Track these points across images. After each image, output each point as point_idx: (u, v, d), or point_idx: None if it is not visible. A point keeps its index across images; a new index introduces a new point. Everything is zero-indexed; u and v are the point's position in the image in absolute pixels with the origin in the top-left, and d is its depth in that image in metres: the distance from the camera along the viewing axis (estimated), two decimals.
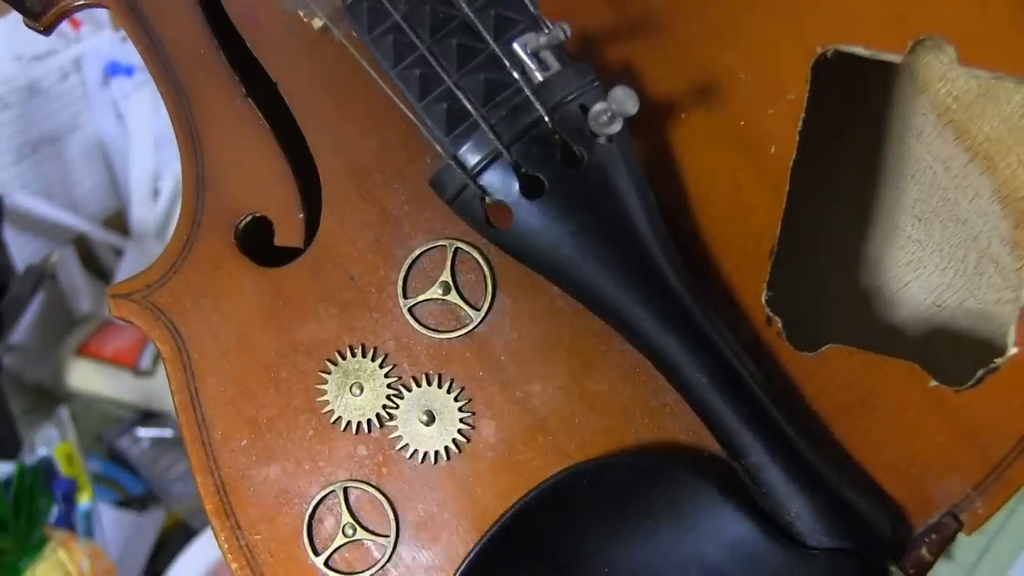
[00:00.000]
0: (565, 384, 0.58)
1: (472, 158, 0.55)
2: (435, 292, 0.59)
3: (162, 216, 1.30)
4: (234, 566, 0.60)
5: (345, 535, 0.60)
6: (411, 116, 0.58)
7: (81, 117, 1.20)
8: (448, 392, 0.59)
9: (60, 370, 1.27)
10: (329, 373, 0.60)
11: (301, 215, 0.62)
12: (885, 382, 0.58)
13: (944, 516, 0.56)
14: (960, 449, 0.57)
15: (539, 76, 0.55)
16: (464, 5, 0.56)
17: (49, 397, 1.29)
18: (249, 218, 0.63)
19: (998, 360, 0.57)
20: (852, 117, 0.67)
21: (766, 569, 0.55)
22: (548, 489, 0.57)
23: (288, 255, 0.62)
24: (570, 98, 0.55)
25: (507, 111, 0.54)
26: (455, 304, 0.59)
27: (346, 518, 0.59)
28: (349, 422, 0.60)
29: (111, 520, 1.21)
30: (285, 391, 0.61)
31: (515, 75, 0.55)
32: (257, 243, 0.63)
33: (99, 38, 1.17)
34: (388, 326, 0.60)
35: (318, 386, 0.60)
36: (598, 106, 0.53)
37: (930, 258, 0.66)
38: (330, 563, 0.60)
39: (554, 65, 0.55)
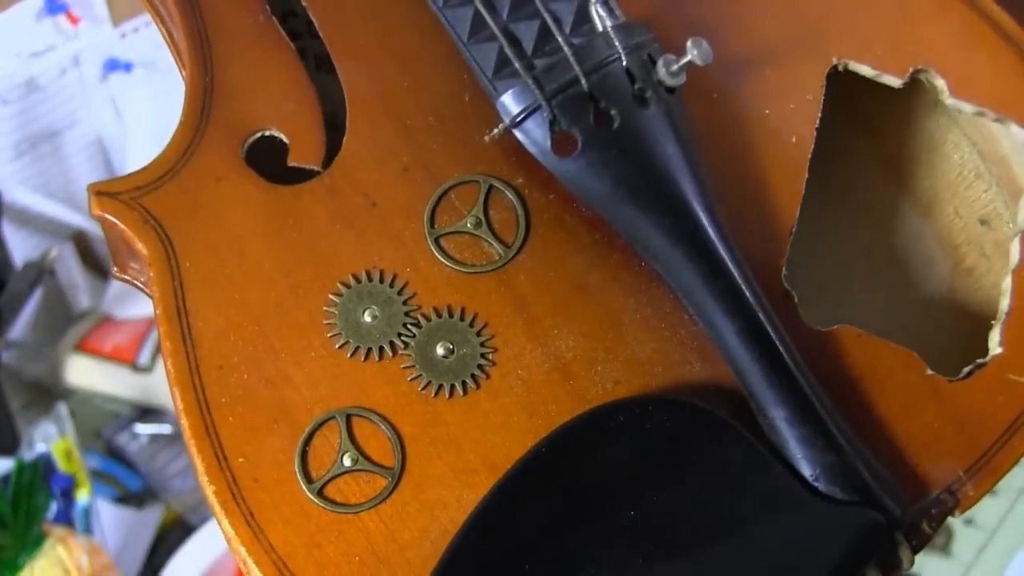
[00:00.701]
0: (590, 331, 0.60)
1: (549, 82, 0.58)
2: (465, 225, 0.59)
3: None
4: (211, 489, 0.56)
5: (343, 465, 0.57)
6: (466, 45, 0.61)
7: (80, 113, 1.20)
8: (471, 326, 0.59)
9: (58, 366, 1.26)
10: (340, 295, 0.59)
11: (321, 135, 0.61)
12: (888, 364, 0.62)
13: (942, 493, 0.58)
14: (952, 434, 0.62)
15: (609, 22, 0.57)
16: None
17: (48, 393, 1.27)
18: (260, 135, 0.62)
19: (984, 359, 0.61)
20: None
21: (796, 519, 0.55)
22: (585, 420, 0.55)
23: (300, 177, 0.62)
24: (640, 45, 0.59)
25: (584, 42, 0.57)
26: (485, 239, 0.60)
27: (346, 447, 0.57)
28: (359, 347, 0.58)
29: (110, 516, 1.19)
30: (288, 310, 0.59)
31: (595, 10, 0.57)
32: (265, 162, 0.62)
33: (98, 34, 1.16)
34: (410, 255, 0.59)
35: (326, 308, 0.59)
36: (667, 57, 0.59)
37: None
38: (323, 492, 0.57)
39: (620, 16, 0.59)
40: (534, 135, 0.58)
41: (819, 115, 0.65)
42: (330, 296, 0.59)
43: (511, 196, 0.61)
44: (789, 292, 0.61)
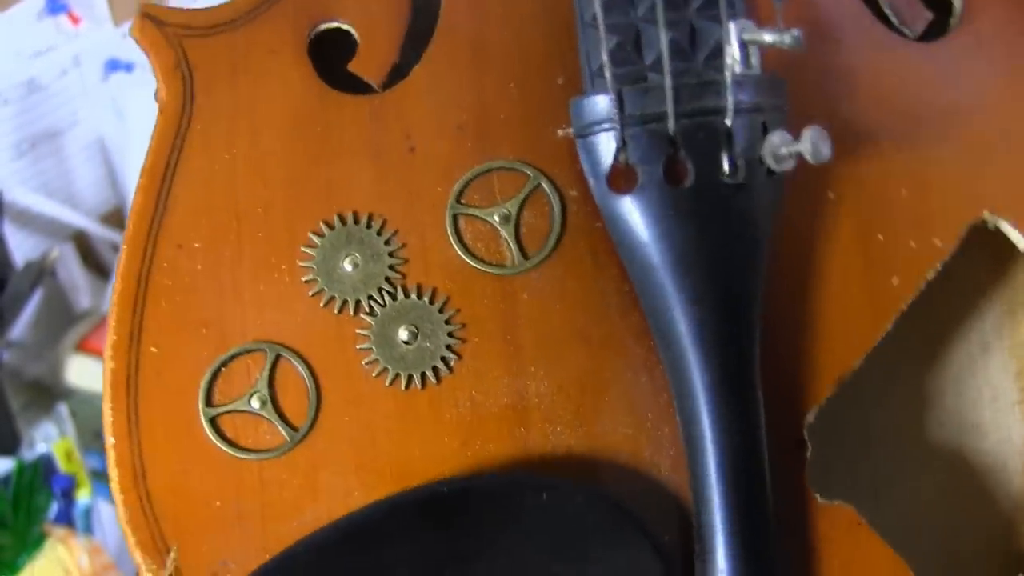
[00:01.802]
0: (569, 386, 0.54)
1: (634, 104, 0.50)
2: (492, 215, 0.54)
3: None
4: (110, 365, 0.52)
5: (249, 404, 0.53)
6: (585, 25, 0.54)
7: (80, 113, 1.23)
8: (447, 322, 0.54)
9: (59, 366, 1.27)
10: (331, 229, 0.54)
11: (396, 51, 0.56)
12: (873, 563, 0.53)
13: None
14: None
15: (738, 68, 0.50)
16: None
17: (48, 393, 1.29)
18: (335, 25, 0.57)
19: None
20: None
21: None
22: (509, 482, 0.50)
23: (351, 88, 0.57)
24: (758, 108, 0.51)
25: (695, 81, 0.51)
26: (506, 239, 0.54)
27: (261, 386, 0.53)
28: (323, 291, 0.54)
29: (110, 516, 1.19)
30: (273, 220, 0.55)
31: (730, 54, 0.49)
32: (324, 56, 0.57)
33: (99, 34, 1.19)
34: (421, 218, 0.54)
35: (312, 234, 0.55)
36: (783, 135, 0.51)
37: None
38: (217, 421, 0.53)
39: (755, 67, 0.51)
40: (595, 153, 0.52)
41: (940, 265, 0.56)
42: (320, 224, 0.54)
43: (555, 205, 0.54)
44: (804, 442, 0.54)
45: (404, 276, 0.54)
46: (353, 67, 0.56)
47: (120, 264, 0.54)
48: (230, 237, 0.54)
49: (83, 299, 1.30)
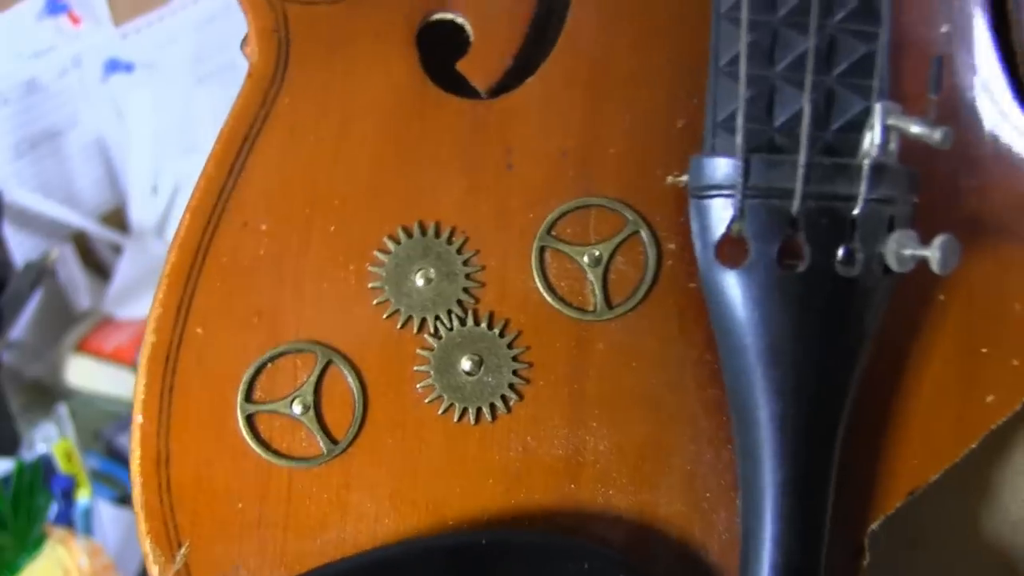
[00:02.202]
0: (630, 450, 0.52)
1: (760, 175, 0.46)
2: (582, 255, 0.51)
3: (162, 213, 1.30)
4: (151, 339, 0.49)
5: (290, 407, 0.50)
6: (718, 72, 0.50)
7: (80, 114, 1.23)
8: (513, 359, 0.51)
9: (59, 367, 1.28)
10: (410, 236, 0.51)
11: (510, 57, 0.53)
12: None
13: None
14: None
15: (874, 153, 0.46)
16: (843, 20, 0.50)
17: (48, 394, 1.29)
18: (449, 17, 0.53)
19: None
20: None
21: None
22: (549, 542, 0.48)
23: (455, 89, 0.53)
24: (888, 200, 0.47)
25: (829, 162, 0.46)
26: (592, 284, 0.51)
27: (307, 390, 0.50)
28: (388, 301, 0.51)
29: (110, 517, 1.19)
30: (349, 215, 0.52)
31: (870, 138, 0.46)
32: (431, 50, 0.54)
33: (99, 35, 1.18)
34: (505, 243, 0.51)
35: (387, 239, 0.51)
36: (910, 235, 0.48)
37: None
38: (253, 418, 0.50)
39: (892, 155, 0.47)
40: (708, 218, 0.48)
41: None
42: (399, 230, 0.51)
43: (651, 255, 0.51)
44: (864, 550, 0.51)
45: (477, 301, 0.51)
46: (462, 67, 0.52)
47: (179, 234, 0.50)
48: (300, 225, 0.51)
49: (83, 299, 1.30)
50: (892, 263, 0.48)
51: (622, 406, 0.51)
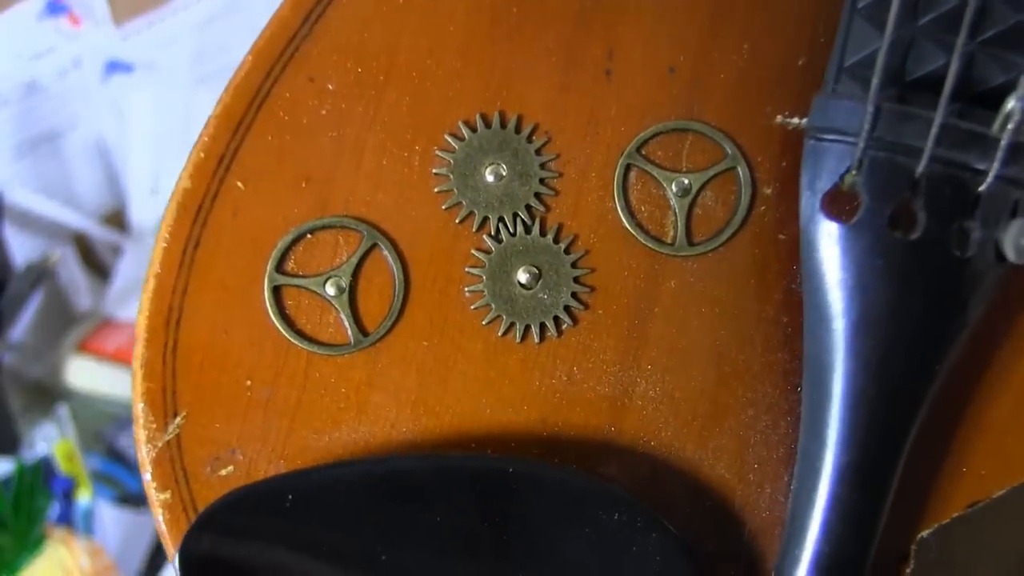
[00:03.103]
0: (680, 401, 0.47)
1: (889, 127, 0.43)
2: (670, 182, 0.47)
3: (162, 214, 1.29)
4: (186, 184, 0.45)
5: (323, 286, 0.45)
6: (854, 12, 0.46)
7: (81, 115, 1.24)
8: (575, 280, 0.46)
9: (59, 368, 1.29)
10: (488, 126, 0.46)
11: None
12: None
13: None
14: None
15: (1012, 127, 0.42)
16: None
17: (48, 395, 1.29)
18: None
19: None
20: None
21: None
22: (580, 479, 0.44)
23: None
24: (1018, 183, 0.43)
25: (965, 127, 0.41)
26: (675, 214, 0.46)
27: (345, 271, 0.45)
28: (451, 191, 0.47)
29: (110, 518, 1.21)
30: (426, 91, 0.48)
31: (1011, 109, 0.42)
32: None
33: (99, 36, 1.19)
34: (589, 153, 0.47)
35: (463, 124, 0.47)
36: None
37: None
38: (280, 291, 0.45)
39: None
40: (823, 164, 0.44)
41: None
42: (476, 117, 0.46)
43: (744, 196, 0.47)
44: (907, 556, 0.47)
45: (548, 210, 0.46)
46: None
47: (236, 77, 0.46)
48: (371, 93, 0.46)
49: (83, 300, 1.31)
50: (1010, 252, 0.43)
51: (683, 352, 0.46)
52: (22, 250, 1.23)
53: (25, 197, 1.23)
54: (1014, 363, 0.48)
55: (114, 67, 1.21)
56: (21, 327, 1.23)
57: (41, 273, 1.20)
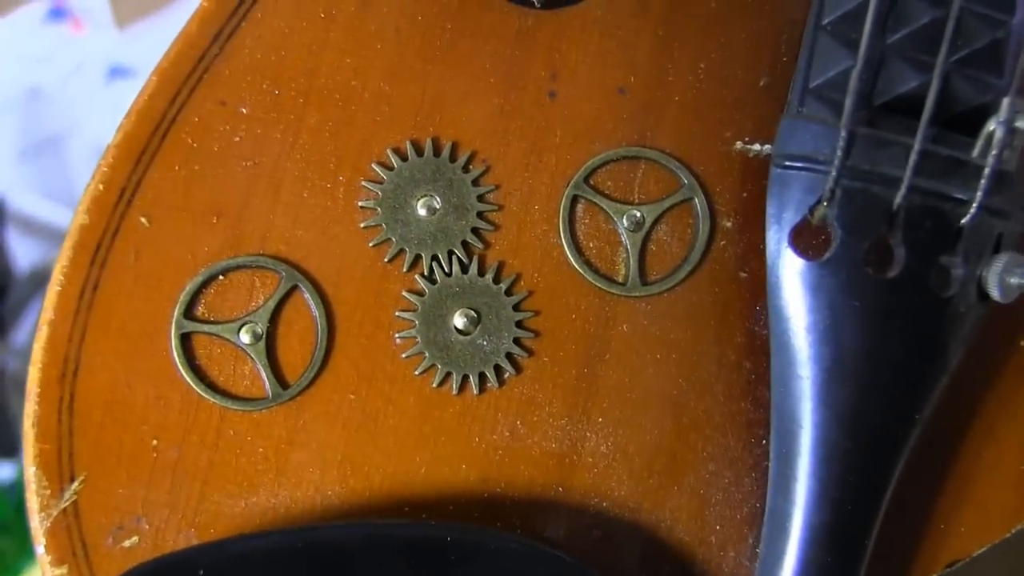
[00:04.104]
0: (635, 457, 0.44)
1: (864, 154, 0.39)
2: (621, 215, 0.43)
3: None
4: (82, 219, 0.41)
5: (237, 334, 0.41)
6: (818, 29, 0.42)
7: (84, 119, 1.25)
8: (518, 325, 0.43)
9: None
10: (419, 154, 0.42)
11: None
12: None
13: None
14: None
15: (994, 155, 0.39)
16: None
17: None
18: None
19: None
20: None
21: None
22: (493, 545, 0.39)
23: None
24: (1001, 214, 0.41)
25: (946, 154, 0.38)
26: (626, 250, 0.43)
27: (261, 316, 0.41)
28: (379, 227, 0.43)
29: None
30: (352, 115, 0.43)
31: (989, 134, 0.38)
32: None
33: (101, 40, 1.21)
34: (532, 183, 0.43)
35: (392, 152, 0.42)
36: (1020, 261, 0.41)
37: None
38: (189, 339, 0.40)
39: (1011, 162, 0.40)
40: (790, 194, 0.40)
41: None
42: (407, 144, 0.42)
43: (702, 230, 0.43)
44: None
45: (486, 246, 0.42)
46: None
47: (139, 101, 0.41)
48: (290, 117, 0.42)
49: None
50: (994, 290, 0.40)
51: (637, 403, 0.42)
52: (25, 255, 1.22)
53: (28, 202, 1.22)
54: (996, 411, 0.45)
55: (117, 71, 1.22)
56: (24, 332, 1.22)
57: (44, 278, 1.17)
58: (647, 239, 0.43)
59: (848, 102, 0.39)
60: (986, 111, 0.41)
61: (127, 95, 1.22)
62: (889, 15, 0.42)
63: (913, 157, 0.39)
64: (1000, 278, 0.40)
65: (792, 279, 0.40)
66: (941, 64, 0.40)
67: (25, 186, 1.23)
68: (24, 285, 1.19)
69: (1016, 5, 0.43)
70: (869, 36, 0.40)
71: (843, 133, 0.39)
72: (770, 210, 0.41)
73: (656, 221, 0.43)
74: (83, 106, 1.22)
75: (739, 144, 0.43)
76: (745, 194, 0.43)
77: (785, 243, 0.40)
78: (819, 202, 0.40)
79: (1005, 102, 0.40)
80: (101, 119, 1.23)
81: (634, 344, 0.42)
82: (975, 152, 0.40)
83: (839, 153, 0.39)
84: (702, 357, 0.43)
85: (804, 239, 0.40)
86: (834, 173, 0.39)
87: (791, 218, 0.40)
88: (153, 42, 1.14)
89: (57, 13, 1.15)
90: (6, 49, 1.17)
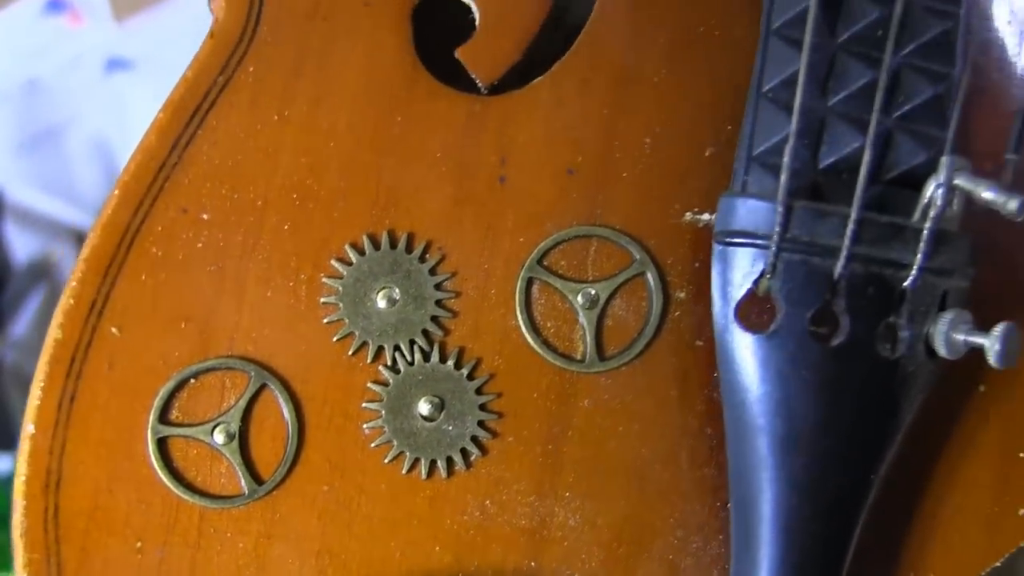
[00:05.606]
0: (603, 530, 0.45)
1: (802, 226, 0.40)
2: (575, 294, 0.44)
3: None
4: (56, 334, 0.42)
5: (211, 435, 0.42)
6: (760, 96, 0.43)
7: (82, 112, 1.24)
8: (481, 408, 0.44)
9: None
10: (376, 247, 0.43)
11: (519, 52, 0.45)
12: None
13: None
14: None
15: (935, 216, 0.40)
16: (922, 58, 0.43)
17: None
18: None
19: None
20: None
21: None
22: None
23: (451, 80, 0.46)
24: (944, 273, 0.41)
25: (884, 221, 0.39)
26: (583, 327, 0.44)
27: (233, 416, 0.42)
28: (342, 321, 0.44)
29: None
30: (309, 214, 0.44)
31: (933, 193, 0.39)
32: (429, 33, 0.46)
33: (100, 32, 1.20)
34: (488, 268, 0.44)
35: (350, 248, 0.44)
36: (965, 317, 0.42)
37: None
38: (165, 443, 0.42)
39: (953, 221, 0.41)
40: (733, 270, 0.41)
41: None
42: (364, 238, 0.43)
43: (655, 303, 0.44)
44: None
45: (447, 333, 0.44)
46: (462, 54, 0.45)
47: (103, 215, 0.43)
48: (249, 220, 0.43)
49: None
50: (941, 347, 0.41)
51: (602, 476, 0.44)
52: (23, 248, 1.23)
53: (26, 195, 1.22)
54: (958, 453, 0.46)
55: (115, 64, 1.21)
56: (22, 324, 1.23)
57: (42, 271, 1.19)
58: (603, 315, 0.44)
59: (783, 178, 0.40)
60: (934, 167, 0.41)
61: (125, 87, 1.21)
62: (829, 77, 0.43)
63: (850, 227, 0.40)
64: (946, 336, 0.41)
65: (741, 352, 0.41)
66: (872, 134, 0.41)
67: (23, 179, 1.24)
68: (22, 278, 1.19)
69: (957, 58, 0.44)
70: (799, 110, 0.41)
71: (779, 208, 0.40)
72: (715, 285, 0.42)
73: (610, 297, 0.44)
74: (81, 99, 1.22)
75: (689, 215, 0.44)
76: (697, 264, 0.44)
77: (732, 318, 0.41)
78: (762, 275, 0.41)
79: (944, 161, 0.41)
80: (99, 112, 1.24)
81: (596, 418, 0.44)
82: (916, 215, 0.41)
83: (777, 228, 0.40)
84: (664, 427, 0.44)
85: (751, 312, 0.41)
86: (773, 248, 0.40)
87: (736, 292, 0.41)
88: (151, 34, 1.17)
89: (55, 5, 1.15)
90: (4, 42, 1.17)
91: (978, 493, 0.46)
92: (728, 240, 0.41)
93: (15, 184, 1.21)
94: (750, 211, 0.41)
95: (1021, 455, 0.46)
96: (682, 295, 0.44)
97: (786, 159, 0.41)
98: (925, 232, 0.40)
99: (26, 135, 1.21)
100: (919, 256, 0.40)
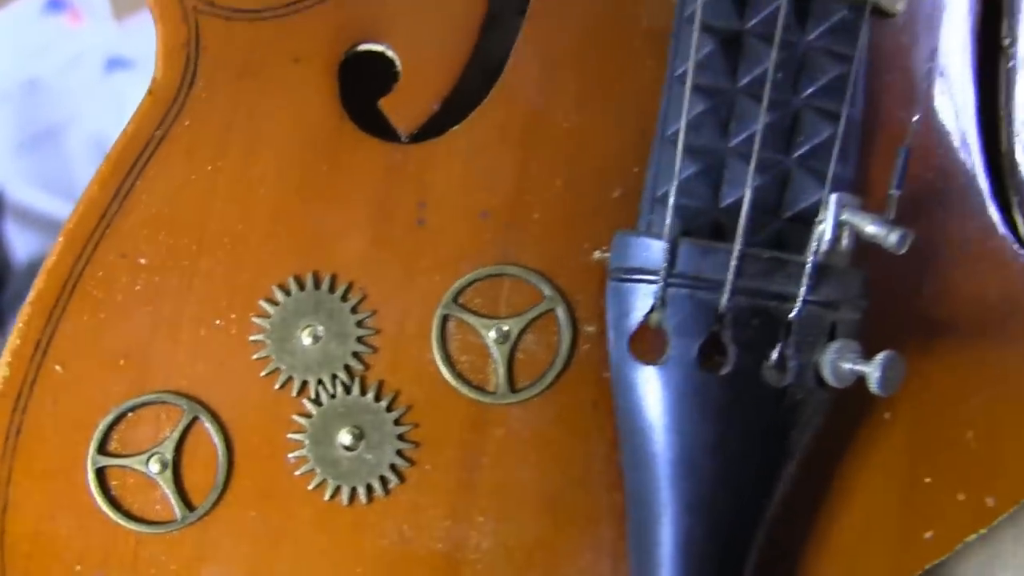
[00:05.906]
0: (516, 553, 0.47)
1: (688, 262, 0.42)
2: (488, 330, 0.47)
3: None
4: (4, 373, 0.46)
5: (146, 464, 0.45)
6: (664, 140, 0.46)
7: (82, 111, 1.24)
8: (398, 437, 0.46)
9: None
10: (301, 288, 0.46)
11: (438, 101, 0.48)
12: None
13: None
14: None
15: (822, 250, 0.42)
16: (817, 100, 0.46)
17: None
18: (379, 49, 0.49)
19: None
20: None
21: None
22: None
23: (373, 129, 0.49)
24: (831, 305, 0.44)
25: (767, 255, 0.41)
26: (496, 362, 0.46)
27: (167, 447, 0.45)
28: (269, 358, 0.47)
29: None
30: (240, 258, 0.47)
31: (822, 229, 0.41)
32: (352, 85, 0.49)
33: (100, 32, 1.21)
34: (405, 306, 0.47)
35: (277, 289, 0.47)
36: (851, 347, 0.43)
37: None
38: (104, 473, 0.46)
39: (842, 255, 0.43)
40: (624, 304, 0.44)
41: (984, 530, 0.48)
42: (290, 280, 0.46)
43: (565, 338, 0.46)
44: None
45: (367, 368, 0.46)
46: (385, 105, 0.48)
47: (49, 261, 0.46)
48: (184, 264, 0.46)
49: None
50: (828, 376, 0.43)
51: (515, 501, 0.46)
52: (23, 247, 1.23)
53: (26, 194, 1.22)
54: (861, 479, 0.48)
55: (115, 63, 1.21)
56: None
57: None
58: (515, 349, 0.47)
59: (668, 217, 0.43)
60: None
61: (125, 87, 1.23)
62: (730, 119, 0.46)
63: (733, 262, 0.42)
64: (833, 365, 0.43)
65: (635, 382, 0.43)
66: (752, 171, 0.43)
67: (23, 178, 1.23)
68: (22, 278, 1.18)
69: (856, 98, 0.47)
70: (696, 145, 0.44)
71: (665, 244, 0.42)
72: (609, 319, 0.44)
73: (522, 332, 0.47)
74: (81, 98, 1.22)
75: (597, 253, 0.47)
76: (605, 300, 0.47)
77: (624, 349, 0.44)
78: (652, 309, 0.43)
79: (832, 199, 0.43)
80: (99, 111, 1.24)
81: (509, 447, 0.46)
82: (807, 251, 0.43)
83: (664, 264, 0.42)
84: (574, 454, 0.46)
85: (643, 345, 0.44)
86: (661, 283, 0.43)
87: (629, 325, 0.44)
88: (151, 34, 1.18)
89: (55, 5, 1.15)
90: (4, 41, 1.17)
91: (884, 517, 0.48)
92: (622, 276, 0.44)
93: (15, 184, 1.21)
94: (640, 248, 0.43)
95: (927, 480, 0.48)
96: (591, 329, 0.47)
97: (671, 199, 0.43)
98: (807, 266, 0.43)
99: (26, 135, 1.22)
100: (802, 289, 0.43)
